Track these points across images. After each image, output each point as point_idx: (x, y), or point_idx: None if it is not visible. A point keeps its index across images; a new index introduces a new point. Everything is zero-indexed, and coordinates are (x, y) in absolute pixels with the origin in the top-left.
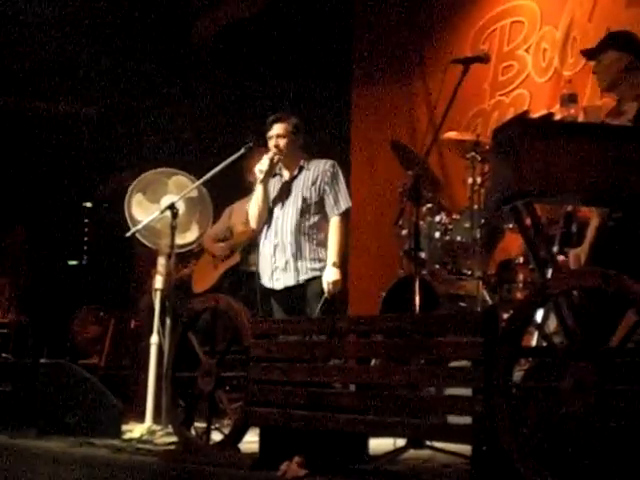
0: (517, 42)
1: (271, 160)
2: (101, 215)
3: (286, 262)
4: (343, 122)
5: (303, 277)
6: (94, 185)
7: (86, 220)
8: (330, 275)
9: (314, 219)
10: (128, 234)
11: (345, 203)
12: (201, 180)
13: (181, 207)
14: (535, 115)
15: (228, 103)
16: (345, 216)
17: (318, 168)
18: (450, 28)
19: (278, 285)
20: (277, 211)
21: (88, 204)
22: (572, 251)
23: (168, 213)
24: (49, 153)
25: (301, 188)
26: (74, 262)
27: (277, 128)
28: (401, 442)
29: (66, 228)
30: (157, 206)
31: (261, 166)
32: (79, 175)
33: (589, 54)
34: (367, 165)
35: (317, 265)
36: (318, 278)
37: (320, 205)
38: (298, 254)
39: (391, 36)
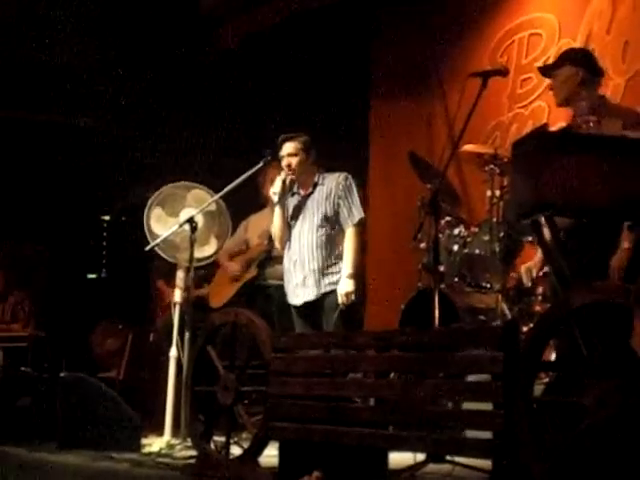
0: (535, 54)
1: (283, 181)
2: (120, 228)
3: (304, 277)
4: (362, 136)
5: (322, 291)
6: (113, 199)
7: (105, 234)
8: (344, 286)
9: (331, 233)
10: (147, 248)
11: (358, 214)
12: (220, 194)
13: (200, 221)
14: (554, 128)
15: (246, 117)
16: (359, 227)
17: (331, 182)
18: (468, 41)
19: (298, 301)
20: (296, 228)
21: (107, 217)
22: (524, 265)
23: (187, 227)
24: (68, 167)
25: (316, 204)
26: (93, 275)
27: (288, 147)
28: (421, 456)
29: (85, 242)
30: (176, 220)
31: (274, 188)
32: (98, 189)
33: (545, 70)
34: (385, 179)
35: (334, 278)
36: (335, 291)
37: (336, 219)
38: (316, 269)
39: (409, 50)
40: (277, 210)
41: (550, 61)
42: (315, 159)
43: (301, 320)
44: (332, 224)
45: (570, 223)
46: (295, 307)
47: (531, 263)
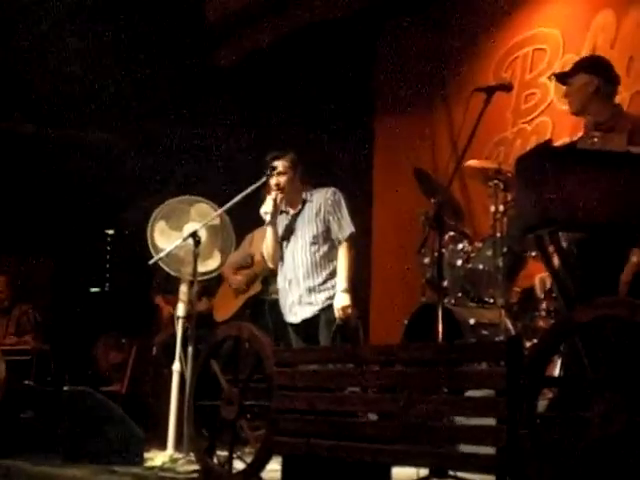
0: (540, 69)
1: (274, 200)
2: (123, 242)
3: (300, 296)
4: (365, 151)
5: (319, 307)
6: (117, 213)
7: (108, 247)
8: (341, 301)
9: (324, 249)
10: (151, 262)
11: (349, 228)
12: (223, 208)
13: (203, 235)
14: (558, 143)
15: (249, 132)
16: (351, 241)
17: (320, 198)
18: (472, 56)
19: (296, 319)
20: (288, 247)
21: (110, 231)
22: (538, 276)
23: (190, 241)
24: (72, 181)
25: (307, 221)
26: (96, 289)
27: (279, 165)
28: (424, 472)
29: (88, 255)
30: (179, 234)
31: (266, 208)
32: (102, 203)
33: (560, 78)
34: (389, 193)
35: (331, 293)
36: (331, 306)
37: (327, 235)
38: (312, 287)
39: (413, 65)
40: (269, 230)
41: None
42: (302, 176)
43: (299, 338)
44: (324, 240)
45: (580, 235)
46: (292, 325)
47: (545, 274)
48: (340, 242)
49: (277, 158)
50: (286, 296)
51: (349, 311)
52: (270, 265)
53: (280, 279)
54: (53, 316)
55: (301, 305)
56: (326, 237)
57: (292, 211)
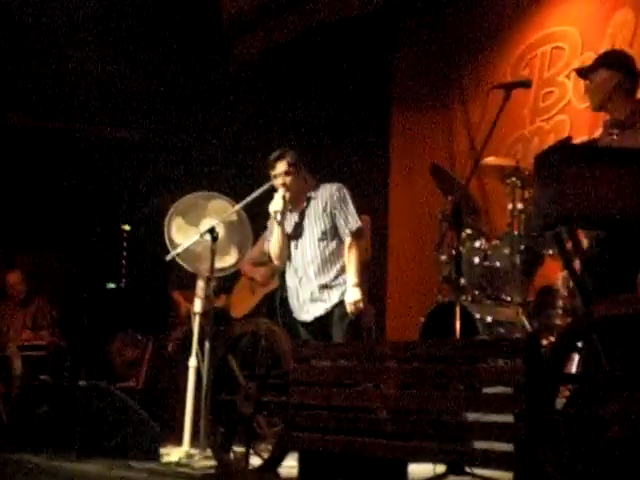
0: (558, 68)
1: (284, 198)
2: (140, 238)
3: (312, 293)
4: (382, 148)
5: (331, 304)
6: (133, 208)
7: (125, 243)
8: (352, 295)
9: (332, 245)
10: (168, 257)
11: (355, 223)
12: (240, 204)
13: (220, 231)
14: (577, 141)
15: (266, 128)
16: (357, 235)
17: (325, 194)
18: (490, 54)
19: (308, 317)
20: (295, 245)
21: (127, 227)
22: (562, 273)
23: (208, 237)
24: (88, 176)
25: (313, 218)
26: (112, 285)
27: (281, 166)
28: (441, 468)
29: (105, 251)
30: (196, 229)
31: (276, 206)
32: (118, 198)
33: (582, 73)
34: (406, 191)
35: (342, 289)
36: (343, 302)
37: (335, 230)
38: (323, 284)
39: (431, 62)
40: (277, 228)
41: (572, 74)
42: (305, 173)
43: (311, 336)
44: (332, 236)
45: (599, 233)
46: (304, 323)
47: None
48: (347, 237)
49: (279, 159)
50: (297, 295)
51: (361, 305)
52: (277, 263)
53: (289, 278)
54: (69, 312)
55: (313, 302)
56: (334, 233)
57: (298, 209)
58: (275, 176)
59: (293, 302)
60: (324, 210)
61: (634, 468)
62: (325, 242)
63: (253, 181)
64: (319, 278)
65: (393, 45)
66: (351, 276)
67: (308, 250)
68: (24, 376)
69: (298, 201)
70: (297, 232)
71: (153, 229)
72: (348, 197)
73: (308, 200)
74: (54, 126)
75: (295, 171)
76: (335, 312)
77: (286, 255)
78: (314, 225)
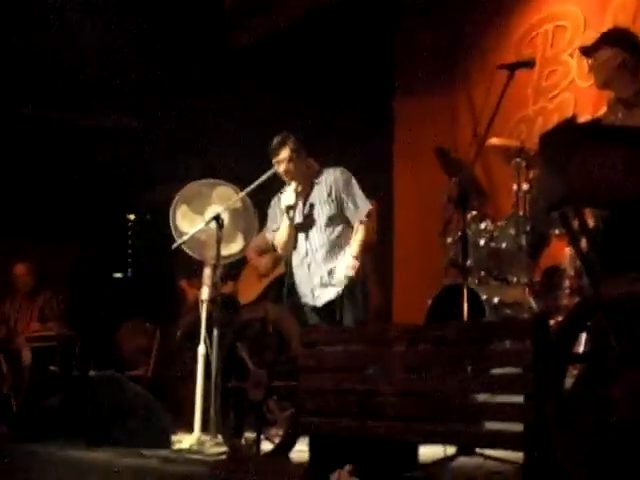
0: (561, 46)
1: (296, 192)
2: (145, 227)
3: (321, 277)
4: (385, 131)
5: (341, 287)
6: (138, 197)
7: (130, 232)
8: (348, 260)
9: (339, 229)
10: (174, 246)
11: (365, 206)
12: (245, 191)
13: (226, 218)
14: (581, 120)
15: (268, 114)
16: (368, 219)
17: (329, 179)
18: (492, 34)
19: (320, 302)
20: (301, 232)
21: (132, 216)
22: (567, 253)
23: (213, 224)
24: (93, 166)
25: (318, 204)
26: (119, 275)
27: (283, 152)
28: (451, 450)
29: (111, 241)
30: (201, 217)
31: (288, 201)
32: (123, 187)
33: (585, 51)
34: (410, 174)
35: (351, 273)
36: (348, 288)
37: (341, 215)
38: (332, 268)
39: (433, 43)
40: (288, 221)
41: (575, 53)
42: (307, 158)
43: (321, 321)
44: (338, 221)
45: (606, 212)
46: (314, 308)
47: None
48: (357, 222)
49: (280, 145)
50: (306, 281)
51: (355, 266)
52: (281, 252)
53: (297, 265)
54: (76, 302)
55: (323, 287)
56: (340, 218)
57: (302, 195)
58: (278, 163)
59: (302, 288)
60: (329, 195)
61: None
62: (332, 227)
63: (257, 167)
64: (328, 263)
65: (395, 29)
66: (353, 248)
67: (315, 236)
68: (33, 367)
69: (303, 186)
70: (303, 219)
71: (158, 218)
72: (353, 179)
73: (312, 186)
74: (57, 116)
75: (297, 157)
76: (345, 295)
77: (292, 245)
78: (320, 211)
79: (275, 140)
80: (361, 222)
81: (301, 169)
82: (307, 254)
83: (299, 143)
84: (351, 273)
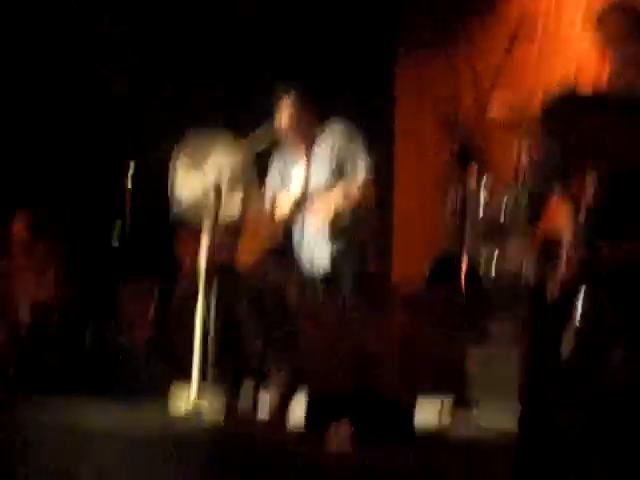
0: (569, 11)
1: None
2: (144, 186)
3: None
4: (387, 95)
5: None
6: (137, 153)
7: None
8: (321, 201)
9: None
10: (173, 211)
11: (364, 172)
12: (245, 147)
13: (224, 180)
14: (583, 89)
15: (269, 69)
16: (364, 186)
17: (333, 133)
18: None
19: (318, 260)
20: (301, 186)
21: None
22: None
23: (212, 193)
24: (88, 126)
25: (319, 158)
26: (117, 235)
27: (286, 106)
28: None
29: (107, 204)
30: (202, 172)
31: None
32: (120, 149)
33: (594, 19)
34: (412, 139)
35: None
36: (347, 252)
37: (341, 170)
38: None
39: (435, 6)
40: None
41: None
42: (311, 110)
43: (319, 282)
44: (338, 177)
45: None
46: (313, 270)
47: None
48: (355, 178)
49: (283, 96)
50: (304, 236)
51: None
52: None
53: (300, 222)
54: (74, 262)
55: (319, 245)
56: (340, 173)
57: (304, 148)
58: (279, 117)
59: (300, 245)
60: (332, 149)
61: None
62: (332, 182)
63: (257, 122)
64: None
65: None
66: (332, 195)
67: (317, 189)
68: (32, 323)
69: (305, 139)
70: (304, 175)
71: (156, 180)
72: (357, 136)
73: (313, 139)
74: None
75: (300, 111)
76: (345, 258)
77: (291, 209)
78: (319, 165)
79: (278, 90)
80: (359, 184)
81: (303, 125)
82: (306, 209)
83: (303, 94)
84: (323, 222)
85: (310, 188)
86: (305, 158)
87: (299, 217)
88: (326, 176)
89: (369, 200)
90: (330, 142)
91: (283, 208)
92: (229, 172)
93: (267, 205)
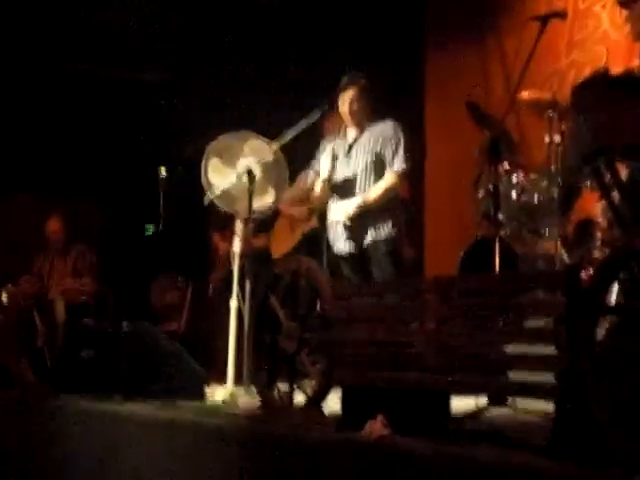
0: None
1: (332, 158)
2: (176, 181)
3: (350, 226)
4: (417, 84)
5: (367, 242)
6: (169, 150)
7: (161, 187)
8: (349, 206)
9: (377, 180)
10: (206, 201)
11: (399, 164)
12: (277, 143)
13: (257, 171)
14: (615, 72)
15: (299, 66)
16: (396, 177)
17: (380, 128)
18: None
19: (345, 249)
20: (342, 174)
21: (163, 170)
22: (599, 205)
23: (245, 178)
24: (124, 120)
25: (363, 150)
26: (151, 229)
27: (351, 91)
28: (483, 401)
29: (141, 195)
30: (233, 170)
31: (323, 170)
32: (154, 141)
33: (624, 3)
34: (442, 127)
35: (385, 226)
36: (380, 241)
37: (381, 166)
38: (362, 218)
39: None
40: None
41: (608, 4)
42: (372, 102)
43: (351, 272)
44: (378, 172)
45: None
46: (343, 256)
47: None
48: (387, 172)
49: (351, 83)
50: (335, 226)
51: (349, 215)
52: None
53: (334, 207)
54: (108, 257)
55: (352, 234)
56: (379, 169)
57: (351, 137)
58: (343, 101)
59: (335, 234)
60: (376, 142)
61: None
62: (370, 177)
63: (287, 121)
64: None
65: None
66: (366, 195)
67: (355, 178)
68: (67, 321)
69: (356, 128)
70: (346, 159)
71: (190, 171)
72: (402, 137)
73: (363, 131)
74: (91, 70)
75: (363, 99)
76: (378, 248)
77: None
78: (361, 155)
79: (346, 77)
80: (391, 173)
81: (362, 112)
82: (342, 199)
83: (369, 85)
84: (341, 218)
85: (350, 174)
86: (351, 144)
87: (335, 201)
88: (366, 164)
89: (404, 190)
90: (377, 135)
91: (322, 191)
92: (262, 163)
93: (302, 196)
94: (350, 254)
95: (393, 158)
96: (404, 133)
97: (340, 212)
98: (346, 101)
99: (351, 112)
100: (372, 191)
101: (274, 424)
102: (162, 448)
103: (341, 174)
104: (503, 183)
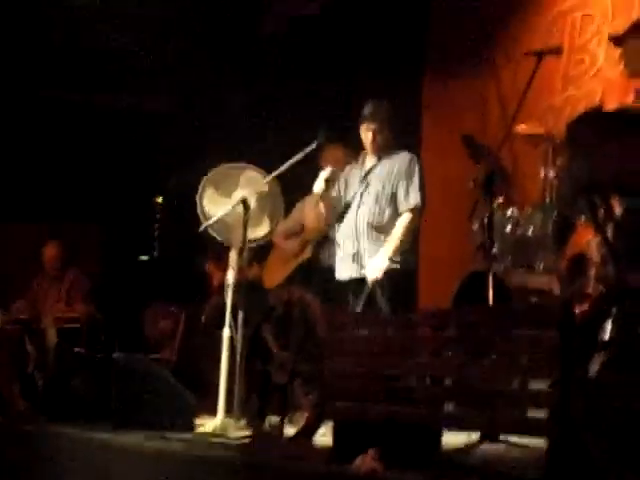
0: (588, 35)
1: (326, 180)
2: (172, 210)
3: (354, 254)
4: (413, 116)
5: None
6: (165, 180)
7: (157, 215)
8: (378, 262)
9: (388, 212)
10: (201, 229)
11: (415, 199)
12: (272, 175)
13: (253, 201)
14: (609, 108)
15: (298, 97)
16: (414, 213)
17: (397, 159)
18: (520, 22)
19: (346, 275)
20: (354, 201)
21: (159, 199)
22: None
23: (240, 208)
24: (120, 149)
25: (377, 179)
26: (145, 257)
27: (374, 121)
28: (475, 436)
29: (137, 223)
30: (228, 200)
31: (317, 189)
32: (150, 170)
33: (617, 40)
34: (438, 159)
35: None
36: (387, 272)
37: (393, 198)
38: (367, 249)
39: (462, 29)
40: (320, 203)
41: (603, 41)
42: (390, 132)
43: (350, 295)
44: (390, 203)
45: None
46: (343, 282)
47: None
48: (403, 210)
49: (374, 112)
50: (342, 250)
51: (383, 270)
52: (323, 223)
53: (342, 232)
54: (102, 284)
55: (354, 263)
56: (392, 200)
57: (368, 166)
58: (366, 130)
59: (340, 259)
60: (390, 173)
61: None
62: (382, 207)
63: (285, 152)
64: (364, 242)
65: (425, 13)
66: (388, 246)
67: (365, 209)
68: (59, 348)
69: (372, 154)
70: (359, 188)
71: (186, 201)
72: (417, 170)
73: (379, 159)
74: (87, 97)
75: (387, 129)
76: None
77: (333, 217)
78: (375, 186)
79: (370, 106)
80: (407, 212)
81: (384, 144)
82: (351, 225)
83: (391, 115)
84: (377, 275)
85: (362, 203)
86: (367, 173)
87: (350, 225)
88: (377, 194)
89: (418, 227)
90: (392, 165)
91: (327, 211)
92: (257, 193)
93: (296, 228)
94: (351, 280)
95: (407, 193)
96: (419, 166)
97: (373, 270)
98: (369, 132)
99: (373, 143)
100: (394, 237)
101: (264, 455)
102: (151, 478)
103: (354, 203)
104: (497, 216)
